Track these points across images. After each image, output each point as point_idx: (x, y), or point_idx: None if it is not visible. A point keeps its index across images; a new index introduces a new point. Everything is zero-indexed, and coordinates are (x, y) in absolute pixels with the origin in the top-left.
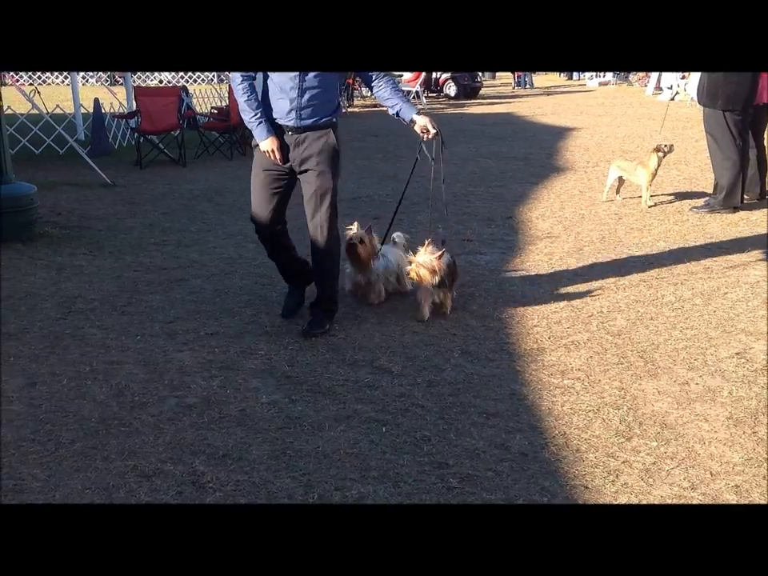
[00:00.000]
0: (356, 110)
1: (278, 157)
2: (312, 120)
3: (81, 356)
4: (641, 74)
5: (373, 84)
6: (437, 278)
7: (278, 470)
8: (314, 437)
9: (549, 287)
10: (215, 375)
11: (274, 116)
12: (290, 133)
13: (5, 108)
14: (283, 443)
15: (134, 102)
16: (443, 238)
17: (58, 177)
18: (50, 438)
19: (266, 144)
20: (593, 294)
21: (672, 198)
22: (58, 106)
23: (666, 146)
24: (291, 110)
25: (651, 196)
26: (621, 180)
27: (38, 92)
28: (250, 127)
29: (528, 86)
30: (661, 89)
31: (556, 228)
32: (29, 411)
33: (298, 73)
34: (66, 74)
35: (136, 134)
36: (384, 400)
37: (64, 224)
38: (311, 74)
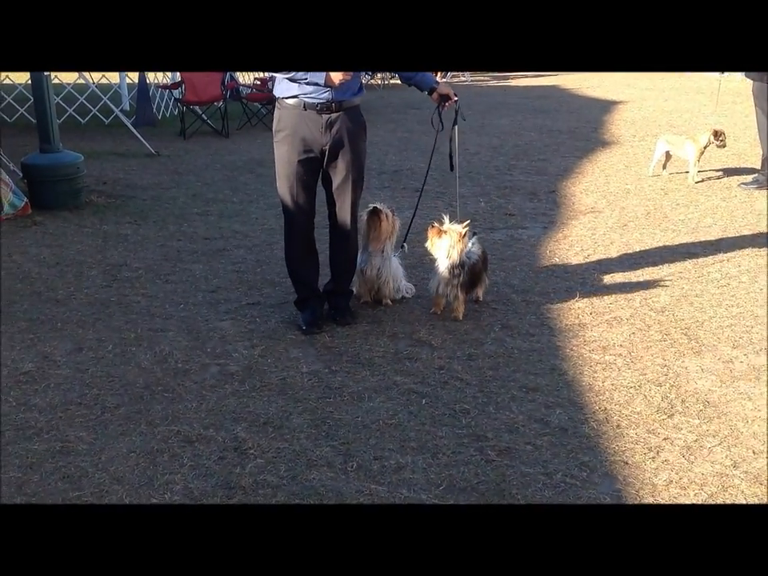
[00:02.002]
0: (397, 81)
1: (352, 72)
2: (346, 95)
3: (126, 323)
4: None
5: None
6: (454, 254)
7: (318, 438)
8: (354, 407)
9: (591, 263)
10: (256, 344)
11: (305, 94)
12: (321, 112)
13: (52, 77)
14: (323, 412)
15: (178, 73)
16: (473, 231)
17: (104, 146)
18: (96, 402)
19: (337, 74)
20: (636, 269)
21: (720, 173)
22: (104, 75)
23: (723, 138)
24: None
25: (699, 171)
26: (668, 155)
27: None
28: (311, 84)
29: None
30: None
31: (600, 203)
32: (76, 375)
33: None
34: None
35: (180, 105)
36: (423, 372)
37: (109, 193)
38: None
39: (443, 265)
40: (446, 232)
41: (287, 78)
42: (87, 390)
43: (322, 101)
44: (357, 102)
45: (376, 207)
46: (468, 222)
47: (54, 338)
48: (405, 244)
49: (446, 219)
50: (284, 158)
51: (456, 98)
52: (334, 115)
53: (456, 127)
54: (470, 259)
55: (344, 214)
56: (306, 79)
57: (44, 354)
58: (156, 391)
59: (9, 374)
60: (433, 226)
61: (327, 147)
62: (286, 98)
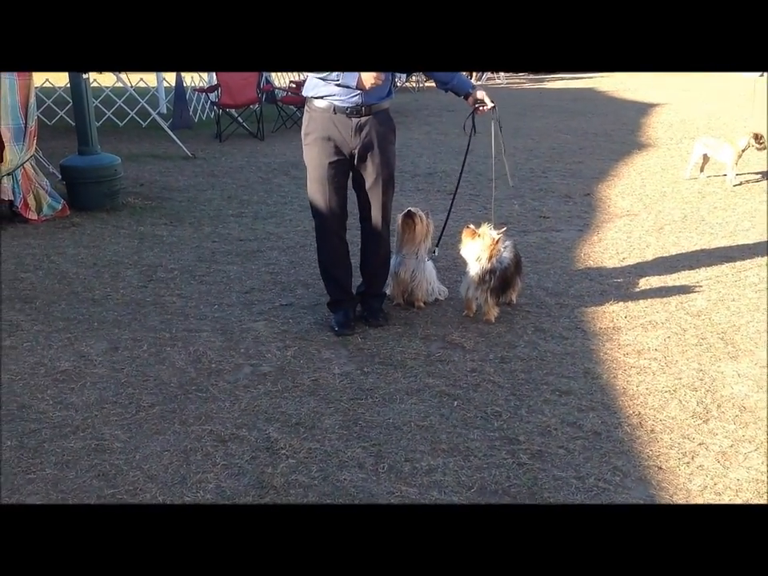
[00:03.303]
0: (432, 84)
1: (383, 76)
2: (375, 99)
3: (161, 323)
4: None
5: None
6: (484, 259)
7: (350, 439)
8: (385, 408)
9: (627, 266)
10: (289, 345)
11: (334, 96)
12: (351, 115)
13: (91, 81)
14: (355, 413)
15: (215, 76)
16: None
17: (141, 149)
18: (130, 401)
19: (369, 78)
20: (672, 273)
21: (759, 176)
22: (141, 79)
23: (764, 141)
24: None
25: (737, 174)
26: (705, 157)
27: None
28: (342, 86)
29: None
30: None
31: (636, 206)
32: (111, 375)
33: None
34: None
35: (216, 108)
36: (455, 375)
37: (146, 194)
38: None
39: (473, 269)
40: (479, 235)
41: (319, 78)
42: (122, 389)
43: (351, 104)
44: (386, 105)
45: (410, 210)
46: (504, 228)
47: (91, 338)
48: (436, 248)
49: (484, 224)
50: (314, 161)
51: (493, 105)
52: (363, 119)
53: (495, 135)
54: (501, 264)
55: (376, 216)
56: (338, 81)
57: (80, 353)
58: (190, 391)
59: (46, 373)
60: (468, 227)
61: (357, 150)
62: (315, 99)
